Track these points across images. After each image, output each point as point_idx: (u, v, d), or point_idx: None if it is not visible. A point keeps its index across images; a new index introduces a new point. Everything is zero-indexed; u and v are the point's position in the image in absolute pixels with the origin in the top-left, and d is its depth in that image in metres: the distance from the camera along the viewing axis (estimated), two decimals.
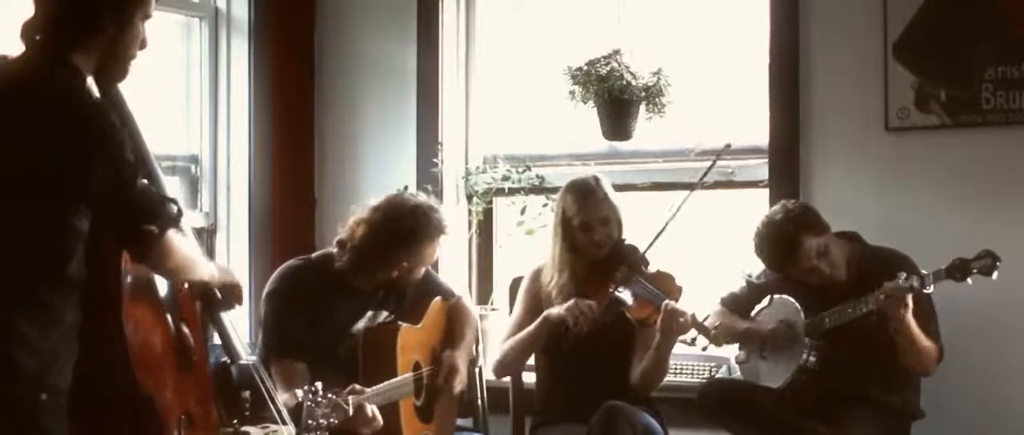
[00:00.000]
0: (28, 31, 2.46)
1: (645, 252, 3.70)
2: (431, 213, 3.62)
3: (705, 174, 3.83)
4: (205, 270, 2.70)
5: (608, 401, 3.52)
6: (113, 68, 2.52)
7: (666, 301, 3.53)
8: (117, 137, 2.39)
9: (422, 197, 3.70)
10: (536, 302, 3.85)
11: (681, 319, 3.49)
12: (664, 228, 3.70)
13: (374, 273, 3.62)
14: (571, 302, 3.65)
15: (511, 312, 3.99)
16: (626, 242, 3.79)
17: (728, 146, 3.88)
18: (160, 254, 2.47)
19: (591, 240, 3.74)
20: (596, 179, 3.80)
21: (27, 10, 2.49)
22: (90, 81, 2.50)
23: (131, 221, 2.42)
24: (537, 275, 3.89)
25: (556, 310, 3.69)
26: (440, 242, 3.68)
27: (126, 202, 2.40)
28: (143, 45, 2.55)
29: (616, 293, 3.62)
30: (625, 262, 3.69)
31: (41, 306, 2.37)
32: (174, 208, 2.50)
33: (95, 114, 2.39)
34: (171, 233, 2.48)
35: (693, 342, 3.58)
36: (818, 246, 3.59)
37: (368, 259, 3.59)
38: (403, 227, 3.57)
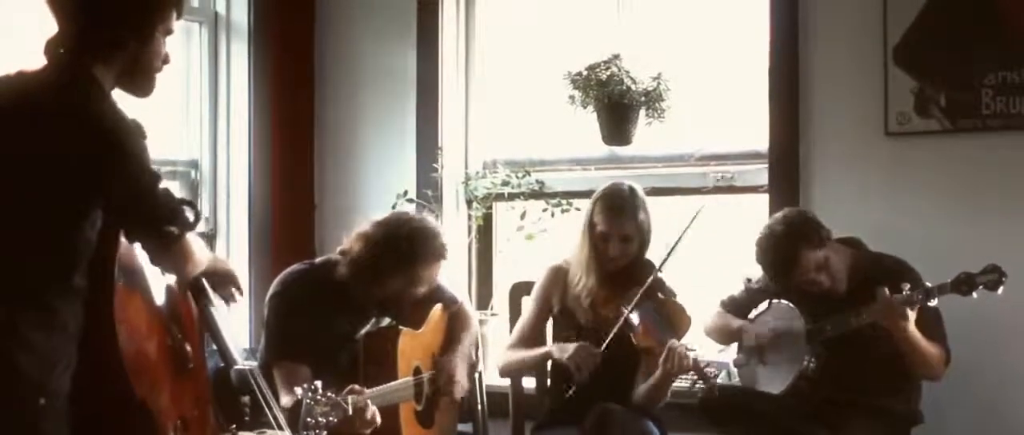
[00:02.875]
0: (52, 46, 2.48)
1: (658, 271, 3.68)
2: (429, 237, 3.58)
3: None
4: (206, 262, 2.76)
5: (602, 404, 3.52)
6: (136, 82, 2.55)
7: (672, 342, 3.52)
8: (135, 145, 2.42)
9: (426, 220, 3.66)
10: (548, 304, 3.86)
11: (684, 363, 3.50)
12: (675, 246, 3.68)
13: (369, 288, 3.60)
14: (575, 348, 3.64)
15: (510, 317, 4.00)
16: (647, 258, 3.78)
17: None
18: (178, 256, 2.55)
19: (605, 251, 3.74)
20: (632, 191, 3.77)
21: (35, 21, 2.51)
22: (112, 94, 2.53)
23: (154, 223, 2.47)
24: (555, 273, 3.87)
25: (561, 351, 3.68)
26: (438, 267, 3.64)
27: (149, 206, 2.45)
28: (166, 60, 2.58)
29: (628, 315, 3.62)
30: (639, 283, 3.67)
31: (47, 311, 2.39)
32: (192, 212, 2.54)
33: (112, 123, 2.41)
34: (189, 236, 2.53)
35: (694, 385, 3.58)
36: (817, 260, 3.58)
37: (363, 274, 3.57)
38: (398, 248, 3.54)
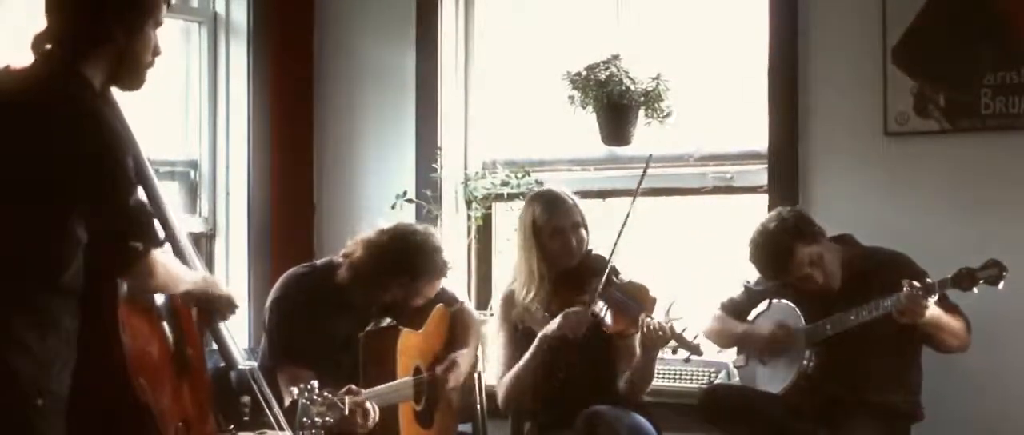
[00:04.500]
0: (39, 43, 2.46)
1: (611, 259, 3.68)
2: (432, 254, 3.60)
3: (640, 180, 3.80)
4: (187, 285, 2.68)
5: (591, 406, 3.52)
6: (127, 76, 2.53)
7: (643, 316, 3.53)
8: (117, 151, 2.39)
9: (431, 234, 3.67)
10: (514, 328, 3.84)
11: (660, 333, 3.50)
12: (620, 235, 3.68)
13: (369, 294, 3.61)
14: (561, 318, 3.62)
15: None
16: (594, 252, 3.78)
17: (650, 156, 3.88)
18: (141, 272, 2.46)
19: (564, 246, 3.73)
20: (561, 189, 3.82)
21: (24, 18, 2.49)
22: (106, 91, 2.51)
23: (118, 236, 2.41)
24: (507, 301, 3.86)
25: (550, 327, 3.65)
26: (438, 282, 3.67)
27: (116, 217, 2.40)
28: (156, 52, 2.56)
29: (593, 307, 3.61)
30: (597, 274, 3.66)
31: (39, 311, 2.37)
32: (161, 230, 2.48)
33: (98, 125, 2.39)
34: (155, 252, 2.46)
35: (675, 352, 3.57)
36: (811, 255, 3.59)
37: (364, 281, 3.58)
38: (401, 261, 3.56)
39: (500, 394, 3.83)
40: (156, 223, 2.50)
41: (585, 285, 3.68)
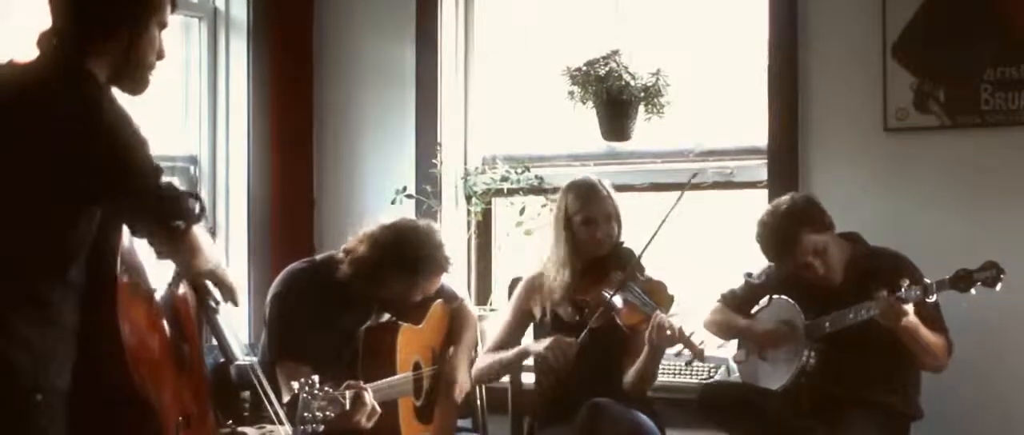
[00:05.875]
0: (45, 40, 2.46)
1: (640, 257, 3.70)
2: (434, 250, 3.61)
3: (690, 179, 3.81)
4: (216, 260, 2.72)
5: (593, 399, 3.53)
6: (130, 77, 2.52)
7: (655, 313, 3.54)
8: (134, 141, 2.40)
9: (433, 231, 3.68)
10: (527, 314, 3.87)
11: (668, 332, 3.50)
12: (656, 233, 3.68)
13: (370, 289, 3.61)
14: (550, 340, 3.63)
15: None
16: (624, 245, 3.79)
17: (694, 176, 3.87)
18: (188, 248, 2.51)
19: (594, 237, 3.74)
20: (598, 179, 3.83)
21: (26, 15, 2.49)
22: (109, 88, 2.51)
23: (160, 219, 2.44)
24: (532, 282, 3.89)
25: (537, 346, 3.68)
26: (439, 278, 3.68)
27: (153, 201, 2.42)
28: (160, 55, 2.55)
29: (611, 299, 3.62)
30: (620, 267, 3.68)
31: (41, 307, 2.38)
32: (197, 204, 2.51)
33: (111, 119, 2.39)
34: (195, 228, 2.50)
35: (679, 354, 3.57)
36: (817, 243, 3.59)
37: (365, 275, 3.59)
38: (404, 257, 3.57)
39: (477, 364, 3.88)
40: (193, 200, 2.51)
41: (605, 277, 3.69)
